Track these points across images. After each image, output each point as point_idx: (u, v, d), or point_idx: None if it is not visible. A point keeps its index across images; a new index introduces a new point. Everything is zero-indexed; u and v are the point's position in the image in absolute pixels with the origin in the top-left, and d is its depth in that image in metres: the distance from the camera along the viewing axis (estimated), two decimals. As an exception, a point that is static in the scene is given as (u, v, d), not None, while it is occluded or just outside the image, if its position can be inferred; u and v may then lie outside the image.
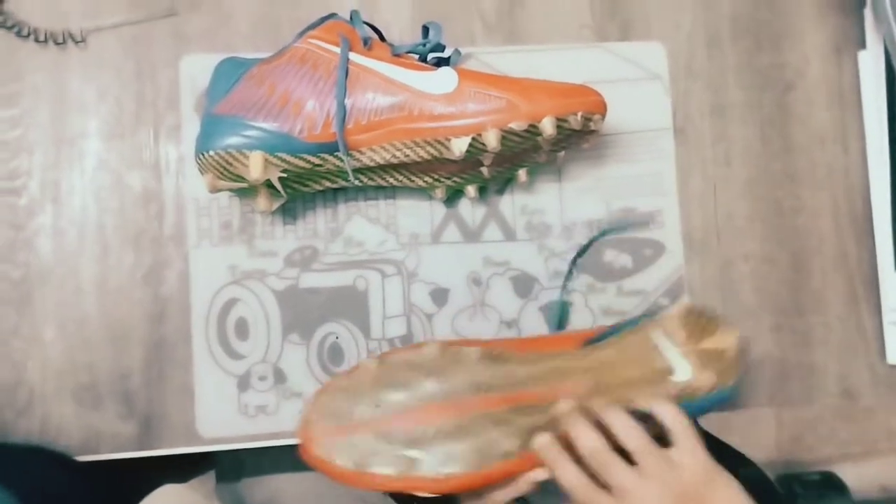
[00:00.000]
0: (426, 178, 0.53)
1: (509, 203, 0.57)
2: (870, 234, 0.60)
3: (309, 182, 0.52)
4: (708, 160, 0.59)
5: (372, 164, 0.49)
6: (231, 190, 0.50)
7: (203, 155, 0.48)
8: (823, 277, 0.59)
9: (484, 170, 0.52)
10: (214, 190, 0.49)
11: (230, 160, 0.47)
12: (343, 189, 0.55)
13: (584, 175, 0.58)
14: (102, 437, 0.53)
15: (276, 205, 0.52)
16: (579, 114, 0.49)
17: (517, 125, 0.47)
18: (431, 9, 0.57)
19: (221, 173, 0.48)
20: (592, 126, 0.51)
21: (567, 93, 0.49)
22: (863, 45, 0.60)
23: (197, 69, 0.54)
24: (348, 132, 0.48)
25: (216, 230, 0.54)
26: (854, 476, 0.52)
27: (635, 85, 0.58)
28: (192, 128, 0.54)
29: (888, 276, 0.59)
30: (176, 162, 0.54)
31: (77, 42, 0.54)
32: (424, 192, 0.56)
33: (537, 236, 0.57)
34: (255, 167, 0.47)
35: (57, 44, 0.53)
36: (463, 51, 0.56)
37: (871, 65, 0.60)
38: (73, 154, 0.54)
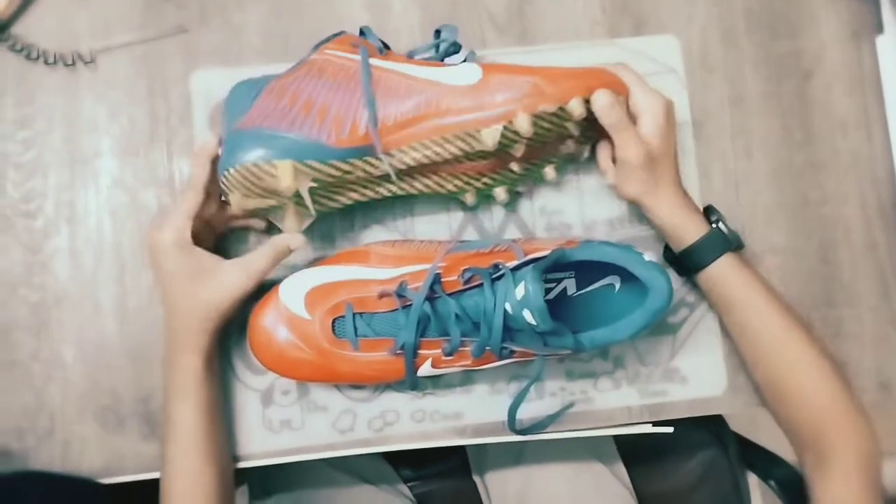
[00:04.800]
0: (456, 182, 0.52)
1: (528, 204, 0.56)
2: (899, 221, 0.58)
3: (337, 196, 0.50)
4: (728, 154, 0.58)
5: (403, 165, 0.48)
6: (259, 209, 0.48)
7: (228, 171, 0.46)
8: (853, 268, 0.58)
9: (514, 165, 0.51)
10: (242, 209, 0.48)
11: (258, 173, 0.45)
12: (361, 203, 0.54)
13: (602, 173, 0.57)
14: (126, 459, 0.52)
15: (305, 223, 0.50)
16: None
17: (546, 107, 0.47)
18: (440, 14, 0.57)
19: (249, 189, 0.46)
20: None
21: (589, 74, 0.49)
22: (880, 29, 0.59)
23: (209, 84, 0.54)
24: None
25: (233, 245, 0.54)
26: (892, 473, 0.50)
27: (651, 79, 0.56)
28: (205, 143, 0.53)
29: (920, 263, 0.57)
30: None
31: (86, 63, 0.53)
32: (443, 202, 0.55)
33: (557, 236, 0.56)
34: (285, 175, 0.45)
35: (66, 65, 0.53)
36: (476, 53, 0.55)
37: (889, 49, 0.59)
38: (87, 174, 0.53)
